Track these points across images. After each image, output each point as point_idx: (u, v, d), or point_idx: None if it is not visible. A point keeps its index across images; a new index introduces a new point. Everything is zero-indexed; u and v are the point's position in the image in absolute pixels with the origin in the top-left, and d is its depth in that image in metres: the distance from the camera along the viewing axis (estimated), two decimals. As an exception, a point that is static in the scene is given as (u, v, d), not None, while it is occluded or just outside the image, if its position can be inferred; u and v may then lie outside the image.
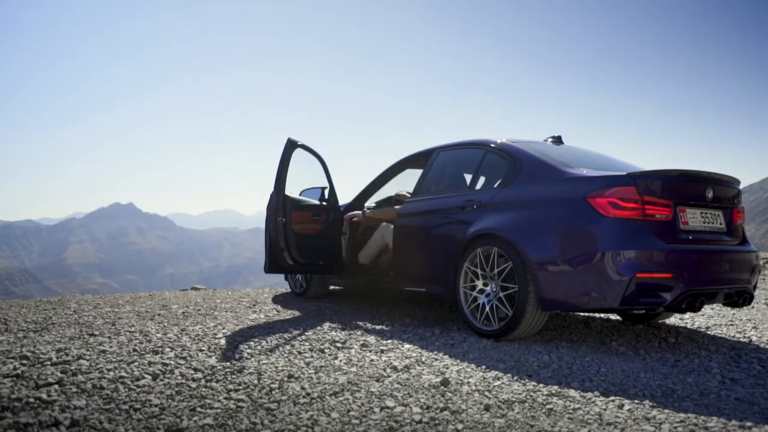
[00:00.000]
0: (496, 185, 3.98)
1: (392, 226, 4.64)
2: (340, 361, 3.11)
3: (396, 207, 4.85)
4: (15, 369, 2.61)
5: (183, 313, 4.39)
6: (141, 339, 3.36)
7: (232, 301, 5.14)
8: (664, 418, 2.29)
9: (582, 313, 4.76)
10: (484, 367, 3.04)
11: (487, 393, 2.62)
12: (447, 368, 3.01)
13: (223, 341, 3.39)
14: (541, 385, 2.75)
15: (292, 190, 4.72)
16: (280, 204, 4.53)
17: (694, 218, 3.42)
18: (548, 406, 2.45)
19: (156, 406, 2.32)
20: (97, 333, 3.51)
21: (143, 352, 3.05)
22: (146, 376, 2.66)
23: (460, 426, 2.23)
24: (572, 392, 2.64)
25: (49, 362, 2.75)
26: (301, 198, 4.88)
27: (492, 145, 4.16)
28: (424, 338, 3.71)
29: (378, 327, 4.06)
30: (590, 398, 2.56)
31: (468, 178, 4.48)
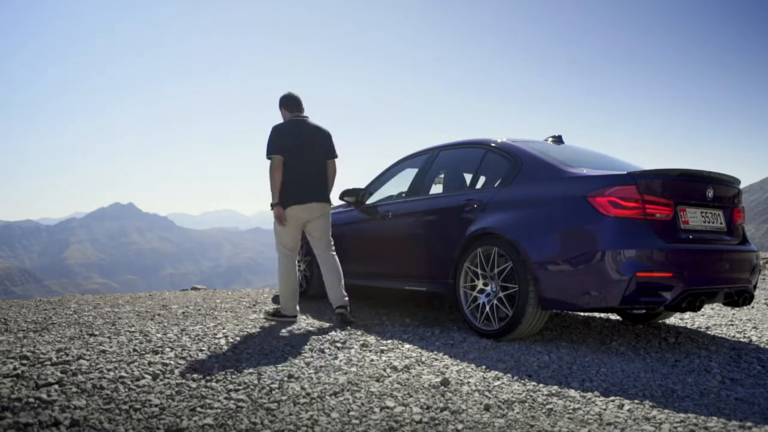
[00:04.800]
0: (496, 185, 3.98)
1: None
2: (340, 361, 3.11)
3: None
4: (15, 369, 2.61)
5: (183, 313, 4.39)
6: (141, 339, 3.36)
7: (232, 301, 5.14)
8: (664, 418, 2.29)
9: (582, 313, 4.76)
10: (484, 367, 3.03)
11: (487, 393, 2.62)
12: (447, 368, 3.01)
13: (223, 341, 3.39)
14: (541, 385, 2.75)
15: None
16: None
17: (694, 218, 3.42)
18: (548, 406, 2.45)
19: (156, 406, 2.32)
20: (97, 333, 3.51)
21: (143, 352, 3.05)
22: (146, 376, 2.66)
23: (460, 426, 2.23)
24: (572, 392, 2.64)
25: (49, 362, 2.74)
26: None
27: (492, 145, 4.16)
28: (424, 338, 3.71)
29: (378, 327, 4.06)
30: (590, 398, 2.56)
31: (468, 177, 4.48)
